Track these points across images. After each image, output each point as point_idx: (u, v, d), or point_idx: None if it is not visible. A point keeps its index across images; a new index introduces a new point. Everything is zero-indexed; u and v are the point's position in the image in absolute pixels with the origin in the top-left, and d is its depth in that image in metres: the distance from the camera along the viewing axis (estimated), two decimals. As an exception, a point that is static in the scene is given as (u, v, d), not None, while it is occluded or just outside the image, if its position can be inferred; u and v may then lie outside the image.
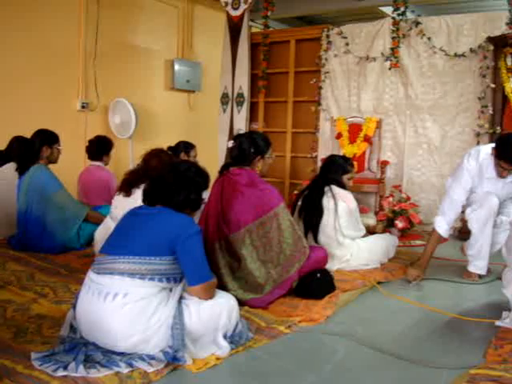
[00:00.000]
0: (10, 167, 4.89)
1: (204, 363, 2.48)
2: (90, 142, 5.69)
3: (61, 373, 2.29)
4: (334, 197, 4.24)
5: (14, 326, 2.87)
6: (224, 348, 2.57)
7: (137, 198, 3.78)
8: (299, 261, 3.48)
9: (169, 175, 2.71)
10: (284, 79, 7.51)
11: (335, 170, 4.39)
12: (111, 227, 3.68)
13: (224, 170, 3.58)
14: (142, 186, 3.80)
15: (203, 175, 2.85)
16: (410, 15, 6.52)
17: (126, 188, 3.95)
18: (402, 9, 6.34)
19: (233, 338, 2.66)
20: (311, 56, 7.23)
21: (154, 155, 4.01)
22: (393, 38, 6.41)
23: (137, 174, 3.97)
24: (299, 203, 4.37)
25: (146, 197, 2.73)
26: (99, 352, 2.45)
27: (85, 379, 2.27)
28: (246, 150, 3.53)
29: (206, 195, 2.93)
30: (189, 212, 2.71)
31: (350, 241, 4.30)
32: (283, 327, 2.98)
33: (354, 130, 6.55)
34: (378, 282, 3.98)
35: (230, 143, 3.59)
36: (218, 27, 7.98)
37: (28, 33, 6.33)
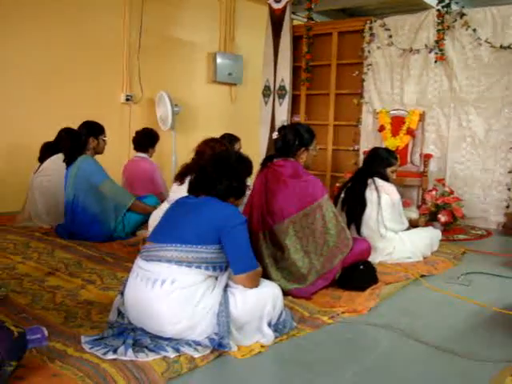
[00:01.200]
0: (58, 158, 5.03)
1: (249, 350, 2.52)
2: (137, 133, 5.80)
3: (110, 356, 2.36)
4: (377, 189, 4.23)
5: (64, 311, 2.96)
6: (268, 336, 2.60)
7: (186, 186, 3.88)
8: (342, 252, 3.49)
9: (210, 165, 2.74)
10: (326, 72, 7.48)
11: (379, 163, 4.37)
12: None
13: (267, 161, 3.60)
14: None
15: (244, 162, 2.86)
16: (454, 7, 6.41)
17: (180, 177, 4.07)
18: (447, 0, 6.25)
19: (277, 327, 2.69)
20: (354, 48, 7.18)
21: (205, 145, 4.07)
22: (437, 30, 6.32)
23: (189, 165, 4.09)
24: (342, 195, 4.37)
25: (191, 188, 2.77)
26: (147, 337, 2.52)
27: (133, 363, 2.33)
28: (290, 141, 3.54)
29: (250, 182, 2.95)
30: (233, 200, 2.74)
31: (392, 234, 4.29)
32: (326, 317, 3.00)
33: (397, 122, 6.48)
34: (421, 276, 3.95)
35: (275, 135, 3.61)
36: (259, 20, 7.99)
37: (75, 29, 6.47)
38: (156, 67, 7.45)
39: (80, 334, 2.61)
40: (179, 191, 3.94)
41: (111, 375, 2.21)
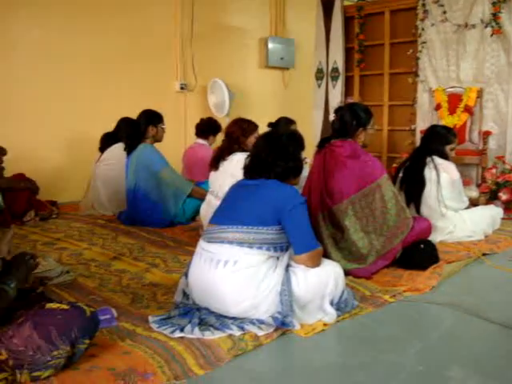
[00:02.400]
0: (119, 147, 5.17)
1: (312, 328, 2.56)
2: (202, 120, 5.96)
3: (177, 334, 2.44)
4: (436, 168, 4.17)
5: (131, 293, 3.07)
6: (331, 314, 2.63)
7: (223, 170, 3.94)
8: (402, 232, 3.47)
9: (263, 150, 2.74)
10: (379, 51, 7.38)
11: (437, 141, 4.30)
12: (211, 201, 3.86)
13: (325, 142, 3.60)
14: (228, 158, 3.95)
15: (296, 138, 2.84)
16: (511, -23, 6.21)
17: (214, 163, 4.13)
18: (503, -29, 6.06)
19: (339, 305, 2.71)
20: (407, 26, 7.04)
21: (235, 125, 4.10)
22: (493, 3, 6.13)
23: (221, 149, 4.15)
24: (400, 175, 4.33)
25: (246, 173, 2.80)
26: (212, 316, 2.59)
27: (200, 341, 2.40)
28: (347, 122, 3.52)
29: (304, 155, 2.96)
30: (292, 179, 2.77)
31: (452, 212, 4.23)
32: (388, 296, 3.00)
33: (454, 100, 6.35)
34: (483, 254, 3.89)
35: (332, 116, 3.60)
36: (310, 3, 7.94)
37: (128, 19, 6.59)
38: (208, 55, 7.51)
39: (147, 314, 2.70)
40: (216, 179, 4.02)
41: (179, 352, 2.29)
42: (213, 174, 4.16)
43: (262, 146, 2.79)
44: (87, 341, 2.14)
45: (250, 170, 2.79)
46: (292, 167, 2.74)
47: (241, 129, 4.03)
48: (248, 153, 2.89)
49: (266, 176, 2.71)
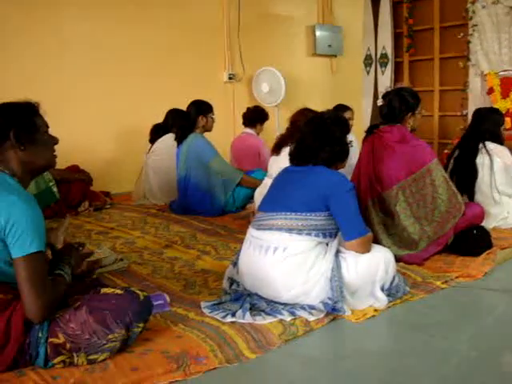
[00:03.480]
0: (168, 138, 5.25)
1: (363, 314, 2.56)
2: (248, 109, 6.00)
3: (229, 319, 2.48)
4: (488, 153, 4.07)
5: (183, 280, 3.14)
6: (382, 300, 2.62)
7: (282, 158, 3.96)
8: (454, 217, 3.41)
9: (309, 136, 2.74)
10: (429, 36, 7.23)
11: (489, 123, 4.18)
12: (268, 184, 3.87)
13: (373, 128, 3.57)
14: (290, 145, 3.96)
15: (340, 121, 2.82)
16: None
17: (276, 149, 4.17)
18: None
19: (390, 291, 2.70)
20: (457, 10, 6.88)
21: (300, 114, 4.11)
22: (547, -18, 5.95)
23: (284, 136, 4.18)
24: (450, 166, 4.23)
25: (292, 159, 2.81)
26: (263, 301, 2.62)
27: (251, 325, 2.44)
28: (396, 107, 3.47)
29: (351, 137, 2.94)
30: (340, 163, 2.76)
31: (506, 198, 4.13)
32: (440, 282, 2.97)
33: (507, 84, 6.19)
34: (540, 240, 3.80)
35: (380, 101, 3.56)
36: (357, -12, 7.86)
37: (176, 11, 6.66)
38: (256, 44, 7.52)
39: (199, 299, 2.76)
40: (276, 163, 4.05)
41: (231, 336, 2.33)
42: (273, 158, 4.19)
43: (307, 132, 2.77)
44: (141, 324, 2.20)
45: (296, 157, 2.80)
46: (338, 151, 2.73)
47: (306, 118, 4.03)
48: None
49: (312, 162, 2.71)
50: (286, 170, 2.84)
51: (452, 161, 4.24)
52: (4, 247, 1.98)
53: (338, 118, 2.85)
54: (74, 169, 5.32)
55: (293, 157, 2.81)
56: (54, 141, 2.26)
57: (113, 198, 5.68)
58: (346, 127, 2.83)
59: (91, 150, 5.96)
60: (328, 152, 2.69)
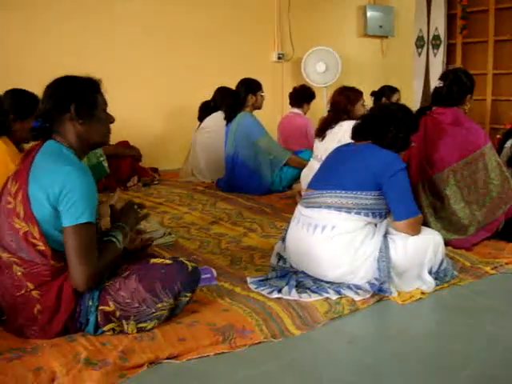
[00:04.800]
0: (217, 116, 5.27)
1: (409, 296, 2.54)
2: (295, 88, 5.95)
3: (275, 295, 2.51)
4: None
5: (229, 255, 3.18)
6: (429, 283, 2.60)
7: (331, 137, 3.93)
8: (506, 203, 3.33)
9: (379, 112, 2.78)
10: (484, 17, 7.00)
11: None
12: (314, 166, 3.87)
13: (425, 110, 3.51)
14: (336, 126, 3.94)
15: (413, 119, 2.85)
16: None
17: (320, 132, 4.13)
18: None
19: (438, 275, 2.67)
20: (514, -10, 6.66)
21: (340, 95, 4.06)
22: None
23: (327, 119, 4.14)
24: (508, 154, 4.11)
25: (355, 133, 2.79)
26: (309, 279, 2.63)
27: (297, 302, 2.46)
28: (456, 89, 3.38)
29: None
30: (395, 151, 2.73)
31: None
32: (489, 268, 2.92)
33: None
34: None
35: (437, 83, 3.48)
36: (411, -33, 7.67)
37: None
38: (306, 24, 7.44)
39: (245, 275, 2.79)
40: (322, 145, 4.03)
41: (277, 312, 2.36)
42: (318, 141, 4.16)
43: (378, 111, 2.87)
44: (189, 294, 2.24)
45: (358, 131, 2.79)
46: (402, 138, 2.73)
47: (347, 98, 3.99)
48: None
49: (372, 139, 2.70)
50: (338, 149, 2.83)
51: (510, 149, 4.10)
52: (57, 215, 2.04)
53: (413, 114, 2.89)
54: (124, 144, 5.41)
55: (356, 130, 2.81)
56: (111, 119, 2.31)
57: (161, 175, 5.76)
58: (415, 125, 2.85)
59: (141, 127, 6.04)
60: (392, 133, 2.69)
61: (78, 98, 2.14)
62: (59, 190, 2.00)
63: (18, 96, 3.06)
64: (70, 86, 2.17)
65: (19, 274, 2.07)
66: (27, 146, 2.49)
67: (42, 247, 2.04)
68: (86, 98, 2.17)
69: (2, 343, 2.11)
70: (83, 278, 2.04)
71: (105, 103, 2.27)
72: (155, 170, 5.76)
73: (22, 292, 2.07)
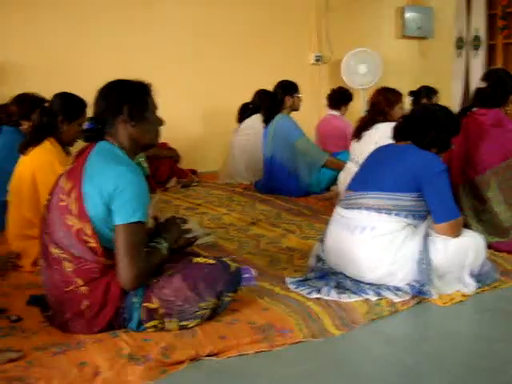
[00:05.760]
0: (256, 118, 5.32)
1: (450, 298, 2.53)
2: (333, 90, 5.98)
3: (314, 295, 2.52)
4: None
5: (268, 256, 3.21)
6: (470, 286, 2.58)
7: (367, 139, 3.92)
8: (550, 208, 3.28)
9: (421, 113, 2.78)
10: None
11: None
12: (351, 169, 3.87)
13: (466, 111, 3.48)
14: (372, 127, 3.93)
15: (455, 120, 2.82)
16: None
17: (357, 133, 4.13)
18: None
19: (479, 277, 2.64)
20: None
21: (379, 95, 4.05)
22: None
23: (364, 119, 4.14)
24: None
25: (396, 133, 2.79)
26: (348, 280, 2.63)
27: (336, 303, 2.47)
28: (499, 90, 3.35)
29: None
30: (435, 152, 2.71)
31: None
32: (532, 271, 2.88)
33: None
34: None
35: (480, 83, 3.44)
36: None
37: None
38: (344, 26, 7.41)
39: (284, 275, 2.82)
40: (358, 147, 4.01)
41: (316, 312, 2.37)
42: (355, 143, 4.16)
43: (420, 111, 2.86)
44: (231, 294, 2.28)
45: (400, 131, 2.78)
46: (442, 139, 2.71)
47: (386, 99, 3.98)
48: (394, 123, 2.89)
49: (412, 139, 2.69)
50: (378, 150, 2.83)
51: None
52: (109, 214, 2.10)
53: (455, 117, 2.87)
54: (164, 146, 5.48)
55: (397, 130, 2.80)
56: (160, 122, 2.37)
57: (199, 176, 5.82)
58: (457, 127, 2.82)
59: (180, 129, 6.10)
60: (433, 134, 2.68)
61: (131, 100, 2.21)
62: (112, 189, 2.06)
63: (67, 99, 3.17)
64: (122, 88, 2.24)
65: (69, 270, 2.13)
66: (72, 150, 2.58)
67: (93, 244, 2.11)
68: (138, 100, 2.24)
69: (47, 338, 2.18)
70: (131, 276, 2.09)
71: (155, 106, 2.33)
72: (194, 171, 5.84)
73: (71, 288, 2.14)
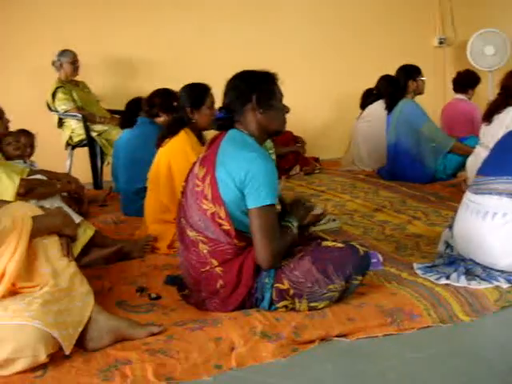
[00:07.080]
0: (378, 104, 5.29)
1: None
2: (458, 74, 5.77)
3: (443, 281, 2.51)
4: None
5: (394, 242, 3.22)
6: None
7: (498, 123, 3.78)
8: None
9: None
10: None
11: None
12: (480, 153, 3.76)
13: None
14: (504, 111, 3.77)
15: None
16: None
17: (487, 117, 3.98)
18: None
19: None
20: None
21: (509, 77, 3.87)
22: None
23: (496, 101, 3.98)
24: None
25: None
26: (479, 267, 2.58)
27: (465, 289, 2.44)
28: None
29: None
30: None
31: None
32: None
33: None
34: None
35: None
36: None
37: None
38: (468, 7, 7.12)
39: (411, 261, 2.82)
40: (488, 131, 3.87)
41: (445, 298, 2.36)
42: (485, 127, 4.03)
43: None
44: (359, 278, 2.32)
45: None
46: None
47: None
48: None
49: None
50: (509, 134, 2.74)
51: None
52: (242, 198, 2.21)
53: None
54: (288, 135, 5.57)
55: None
56: (286, 109, 2.47)
57: (321, 164, 5.87)
58: None
59: (303, 117, 6.20)
60: None
61: (259, 89, 2.32)
62: (244, 174, 2.18)
63: (189, 89, 3.34)
64: (250, 78, 2.35)
65: (205, 251, 2.27)
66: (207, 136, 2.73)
67: (227, 227, 2.23)
68: (266, 89, 2.34)
69: (184, 314, 2.33)
70: (268, 255, 2.20)
71: (281, 94, 2.42)
72: (316, 159, 5.88)
73: (207, 268, 2.28)
